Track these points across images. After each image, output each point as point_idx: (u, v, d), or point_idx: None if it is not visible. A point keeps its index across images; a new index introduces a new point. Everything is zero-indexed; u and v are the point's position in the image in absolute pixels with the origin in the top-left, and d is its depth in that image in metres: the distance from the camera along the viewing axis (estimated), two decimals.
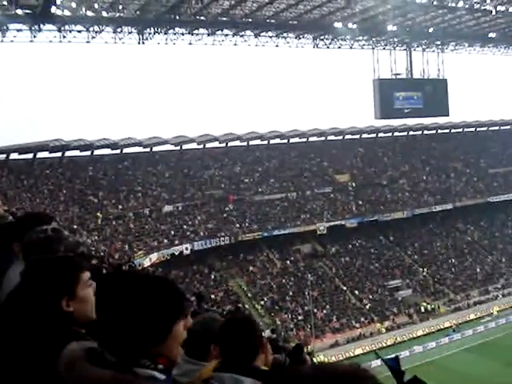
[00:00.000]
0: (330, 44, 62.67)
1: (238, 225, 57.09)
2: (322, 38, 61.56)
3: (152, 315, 1.83)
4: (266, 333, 23.25)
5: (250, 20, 54.42)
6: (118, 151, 61.31)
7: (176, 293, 1.95)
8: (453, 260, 64.03)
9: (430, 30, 64.23)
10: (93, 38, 48.57)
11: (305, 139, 73.36)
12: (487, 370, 39.44)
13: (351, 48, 65.03)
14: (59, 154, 57.51)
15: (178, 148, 65.13)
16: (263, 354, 2.86)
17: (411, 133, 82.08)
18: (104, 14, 46.65)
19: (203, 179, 62.29)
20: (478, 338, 48.63)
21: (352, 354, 46.20)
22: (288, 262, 57.90)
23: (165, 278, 2.03)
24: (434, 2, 51.77)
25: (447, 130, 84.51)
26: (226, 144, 68.03)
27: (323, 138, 74.92)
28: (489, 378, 37.51)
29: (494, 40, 70.33)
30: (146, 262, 44.27)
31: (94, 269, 5.48)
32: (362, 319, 51.89)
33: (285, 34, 59.20)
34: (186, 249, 51.07)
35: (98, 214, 50.64)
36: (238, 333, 2.79)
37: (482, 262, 64.79)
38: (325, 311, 51.81)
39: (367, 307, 53.59)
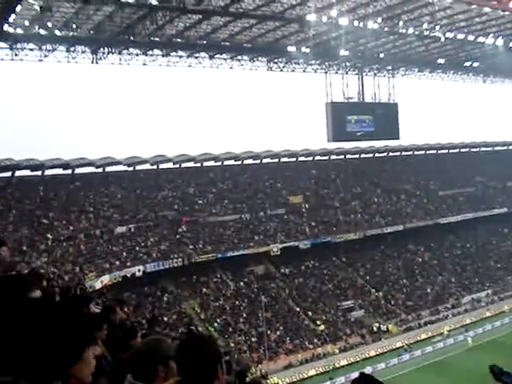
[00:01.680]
0: (283, 67, 63.39)
1: (191, 246, 56.69)
2: (275, 61, 62.24)
3: (63, 342, 2.07)
4: None
5: (205, 42, 54.63)
6: (70, 171, 60.32)
7: (86, 322, 2.16)
8: (404, 280, 65.00)
9: (381, 55, 65.82)
10: (45, 56, 47.79)
11: (259, 161, 73.81)
12: None
13: (304, 71, 65.93)
14: (9, 174, 56.25)
15: (131, 168, 64.58)
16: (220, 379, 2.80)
17: (363, 155, 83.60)
18: (57, 32, 46.06)
19: (156, 200, 61.80)
20: (430, 357, 49.32)
21: (305, 376, 46.21)
22: (241, 283, 57.72)
23: (77, 309, 2.25)
24: (385, 28, 53.01)
25: (398, 153, 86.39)
26: (180, 165, 67.78)
27: (277, 160, 75.51)
28: None
29: (442, 66, 72.45)
30: (98, 285, 43.40)
31: (45, 291, 5.38)
32: (316, 340, 51.98)
33: (239, 57, 59.64)
34: (139, 270, 50.29)
35: (49, 235, 49.52)
36: (199, 352, 2.70)
37: (433, 283, 65.97)
38: (278, 332, 51.71)
39: (320, 328, 53.74)
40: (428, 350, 51.16)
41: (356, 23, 50.73)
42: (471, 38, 59.31)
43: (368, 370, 46.29)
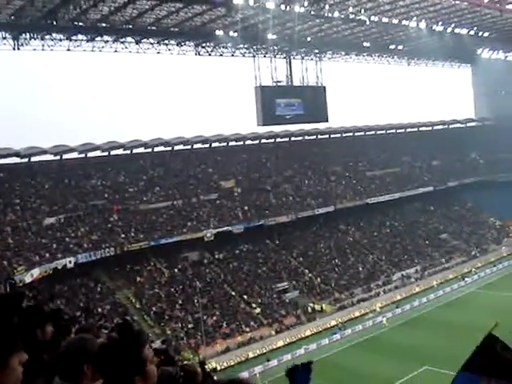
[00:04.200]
0: (211, 51, 63.10)
1: (123, 235, 55.84)
2: (203, 45, 61.89)
3: None
4: (157, 344, 22.90)
5: (131, 26, 53.63)
6: None
7: (9, 330, 2.09)
8: (336, 260, 66.33)
9: (309, 38, 66.56)
10: None
11: (189, 146, 73.29)
12: (372, 363, 41.27)
13: (233, 55, 65.88)
14: None
15: (58, 158, 62.82)
16: (146, 379, 2.74)
17: (293, 138, 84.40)
18: None
19: (85, 189, 60.47)
20: (363, 334, 50.69)
21: (243, 359, 46.59)
22: (176, 270, 57.40)
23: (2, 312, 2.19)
24: (312, 12, 53.50)
25: (327, 136, 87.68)
26: (109, 153, 66.39)
27: (207, 145, 75.23)
28: (373, 371, 39.32)
29: (368, 49, 73.92)
30: (28, 278, 42.20)
31: None
32: (252, 323, 52.42)
33: (166, 41, 58.90)
34: (70, 262, 49.11)
35: None
36: (116, 356, 2.67)
37: (364, 261, 67.65)
38: (215, 317, 51.83)
39: (256, 311, 54.24)
40: (361, 327, 52.41)
41: (283, 7, 51.02)
42: (395, 21, 60.79)
43: (304, 349, 47.41)
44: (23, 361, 2.27)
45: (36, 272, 44.53)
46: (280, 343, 49.50)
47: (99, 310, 46.89)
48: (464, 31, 70.01)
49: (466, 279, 64.21)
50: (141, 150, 69.29)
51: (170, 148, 71.67)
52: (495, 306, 52.77)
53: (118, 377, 2.59)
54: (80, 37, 52.55)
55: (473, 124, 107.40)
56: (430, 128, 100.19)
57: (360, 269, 65.67)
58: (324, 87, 73.29)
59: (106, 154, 66.15)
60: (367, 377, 38.50)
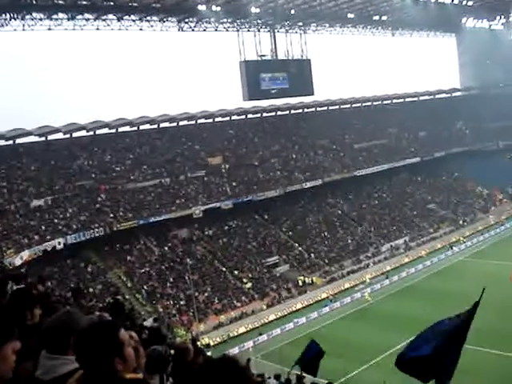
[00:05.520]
0: (194, 27, 62.46)
1: (111, 214, 55.72)
2: (186, 21, 61.20)
3: None
4: (149, 322, 22.99)
5: (112, 3, 52.90)
6: None
7: (3, 318, 2.05)
8: (325, 233, 66.68)
9: (292, 11, 65.93)
10: None
11: (175, 123, 72.89)
12: (363, 334, 41.77)
13: (216, 30, 65.24)
14: None
15: (43, 139, 62.27)
16: (125, 361, 2.73)
17: (279, 113, 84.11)
18: None
19: (72, 170, 60.09)
20: (353, 306, 51.17)
21: (236, 333, 46.96)
22: (166, 248, 57.51)
23: None
24: None
25: (313, 109, 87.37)
26: (94, 132, 65.83)
27: (194, 122, 74.83)
28: (364, 342, 39.80)
29: (352, 20, 73.44)
30: (18, 261, 42.05)
31: None
32: (243, 298, 52.77)
33: (148, 18, 58.19)
34: (59, 243, 49.02)
35: None
36: (91, 341, 2.63)
37: (353, 233, 68.07)
38: (206, 294, 52.09)
39: (247, 286, 54.56)
40: (350, 299, 52.79)
41: None
42: None
43: (300, 321, 47.87)
44: (16, 349, 2.25)
45: (26, 255, 44.41)
46: (272, 317, 49.89)
47: (90, 290, 46.91)
48: (448, 0, 69.74)
49: (454, 248, 64.80)
50: (126, 128, 68.81)
51: (155, 126, 71.24)
52: (483, 273, 53.40)
53: (97, 360, 2.58)
54: (61, 15, 51.74)
55: (458, 94, 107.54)
56: (415, 99, 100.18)
57: (349, 241, 66.09)
58: (309, 60, 72.93)
59: (91, 133, 65.59)
60: (358, 348, 38.92)
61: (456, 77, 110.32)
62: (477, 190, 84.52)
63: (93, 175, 60.39)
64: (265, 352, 40.94)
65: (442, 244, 66.91)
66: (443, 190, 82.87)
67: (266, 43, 69.81)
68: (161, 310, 48.13)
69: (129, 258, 54.67)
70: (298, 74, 70.46)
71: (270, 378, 14.02)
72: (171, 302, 49.93)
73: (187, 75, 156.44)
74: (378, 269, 60.38)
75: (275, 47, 70.28)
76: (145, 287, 50.95)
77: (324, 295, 54.41)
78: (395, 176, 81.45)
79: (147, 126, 70.63)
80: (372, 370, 35.93)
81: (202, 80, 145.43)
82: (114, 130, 67.63)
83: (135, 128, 69.46)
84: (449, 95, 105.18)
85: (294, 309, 51.74)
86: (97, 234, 52.35)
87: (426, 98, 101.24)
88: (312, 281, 56.81)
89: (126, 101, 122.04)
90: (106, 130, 67.01)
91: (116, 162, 63.93)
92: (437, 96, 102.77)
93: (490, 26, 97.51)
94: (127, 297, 47.49)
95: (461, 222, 74.13)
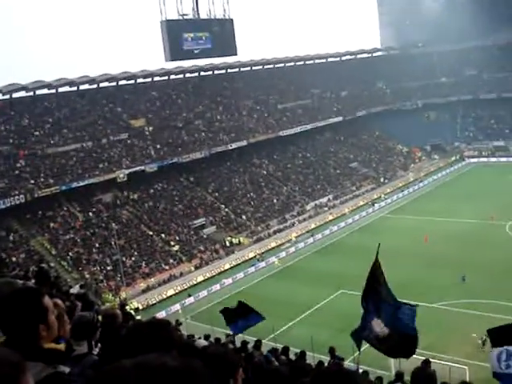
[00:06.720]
0: None
1: (32, 181, 53.97)
2: None
3: None
4: (76, 288, 22.69)
5: None
6: None
7: None
8: (251, 194, 67.18)
9: None
10: None
11: (95, 85, 70.78)
12: (289, 291, 42.78)
13: None
14: None
15: None
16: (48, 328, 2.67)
17: (202, 73, 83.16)
18: None
19: None
20: (281, 263, 52.14)
21: (165, 296, 47.00)
22: (90, 213, 56.38)
23: None
24: None
25: (236, 69, 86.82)
26: (10, 95, 63.01)
27: (115, 83, 72.90)
28: (291, 298, 40.84)
29: None
30: None
31: None
32: (171, 261, 52.71)
33: None
34: None
35: None
36: (14, 308, 2.51)
37: (278, 193, 68.91)
38: (133, 258, 51.69)
39: (174, 248, 54.47)
40: (275, 258, 53.59)
41: None
42: None
43: (226, 282, 48.37)
44: None
45: None
46: (200, 278, 50.18)
47: (13, 259, 45.61)
48: None
49: (376, 205, 66.85)
50: (44, 91, 66.27)
51: (75, 88, 68.93)
52: (403, 228, 55.59)
53: (21, 327, 2.51)
54: None
55: (379, 54, 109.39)
56: (337, 59, 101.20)
57: (275, 201, 66.90)
58: (231, 20, 72.03)
59: (7, 97, 62.78)
60: (286, 303, 39.85)
61: (377, 37, 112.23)
62: (397, 147, 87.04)
63: (11, 140, 58.13)
64: (194, 313, 41.25)
65: (365, 201, 68.83)
66: (365, 149, 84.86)
67: (188, 2, 68.42)
68: (87, 276, 47.45)
69: (52, 224, 53.32)
70: (221, 34, 69.59)
71: (200, 338, 14.19)
72: (98, 268, 49.26)
73: (107, 35, 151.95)
74: (303, 227, 61.55)
75: (197, 6, 68.92)
76: (70, 254, 49.98)
77: (251, 255, 55.08)
78: (319, 135, 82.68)
79: (66, 89, 68.22)
80: (299, 325, 36.96)
81: (123, 40, 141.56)
82: (31, 93, 64.96)
83: (53, 90, 66.97)
84: (370, 55, 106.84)
85: (222, 269, 52.20)
86: (17, 202, 50.60)
87: (348, 57, 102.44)
88: (239, 241, 57.33)
89: (42, 62, 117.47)
90: (23, 93, 64.27)
91: (35, 127, 61.69)
92: (358, 56, 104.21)
93: None
94: (52, 264, 46.45)
95: (382, 180, 76.36)
